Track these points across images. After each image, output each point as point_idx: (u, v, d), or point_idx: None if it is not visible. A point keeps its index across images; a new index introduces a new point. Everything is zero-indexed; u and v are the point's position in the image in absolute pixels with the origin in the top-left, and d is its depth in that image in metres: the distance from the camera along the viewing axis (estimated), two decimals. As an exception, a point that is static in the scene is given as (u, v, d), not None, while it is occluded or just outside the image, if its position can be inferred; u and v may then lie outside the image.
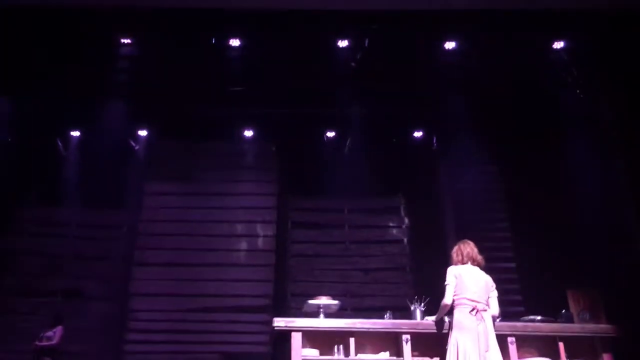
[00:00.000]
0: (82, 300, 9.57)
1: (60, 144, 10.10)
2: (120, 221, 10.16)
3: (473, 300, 5.16)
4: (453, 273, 5.30)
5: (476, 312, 5.12)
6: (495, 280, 5.47)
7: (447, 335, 5.23)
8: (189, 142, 10.23)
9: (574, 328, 5.97)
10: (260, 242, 9.98)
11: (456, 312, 5.17)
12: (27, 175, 9.74)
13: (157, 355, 9.19)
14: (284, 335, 5.52)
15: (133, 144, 10.26)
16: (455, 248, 5.49)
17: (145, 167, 10.25)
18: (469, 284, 5.22)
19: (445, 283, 5.26)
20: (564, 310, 6.25)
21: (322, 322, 5.66)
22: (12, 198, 9.75)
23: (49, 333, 8.08)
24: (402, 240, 10.25)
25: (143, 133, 10.16)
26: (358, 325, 5.63)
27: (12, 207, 9.89)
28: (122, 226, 10.14)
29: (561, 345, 5.81)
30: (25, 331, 8.47)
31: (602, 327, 5.96)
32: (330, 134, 10.12)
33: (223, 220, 10.10)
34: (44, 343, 8.01)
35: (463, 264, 5.36)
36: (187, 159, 10.33)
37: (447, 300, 5.21)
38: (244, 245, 9.94)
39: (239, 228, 10.06)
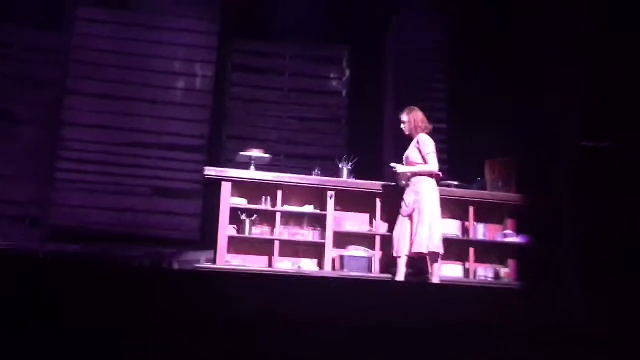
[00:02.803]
0: (12, 124, 9.33)
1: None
2: (55, 46, 9.66)
3: None
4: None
5: None
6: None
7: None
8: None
9: (485, 195, 6.50)
10: (198, 82, 9.77)
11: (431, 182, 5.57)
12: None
13: (89, 185, 9.26)
14: (215, 183, 5.73)
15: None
16: (421, 116, 5.77)
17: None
18: None
19: (433, 151, 5.59)
20: (479, 178, 6.69)
21: (251, 174, 5.88)
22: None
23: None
24: (341, 92, 10.29)
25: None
26: (286, 180, 5.90)
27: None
28: (57, 51, 9.66)
29: (471, 209, 6.36)
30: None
31: (510, 196, 6.48)
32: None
33: (161, 56, 9.72)
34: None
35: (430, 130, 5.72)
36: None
37: (436, 168, 5.59)
38: (181, 84, 9.71)
39: (177, 66, 9.76)
